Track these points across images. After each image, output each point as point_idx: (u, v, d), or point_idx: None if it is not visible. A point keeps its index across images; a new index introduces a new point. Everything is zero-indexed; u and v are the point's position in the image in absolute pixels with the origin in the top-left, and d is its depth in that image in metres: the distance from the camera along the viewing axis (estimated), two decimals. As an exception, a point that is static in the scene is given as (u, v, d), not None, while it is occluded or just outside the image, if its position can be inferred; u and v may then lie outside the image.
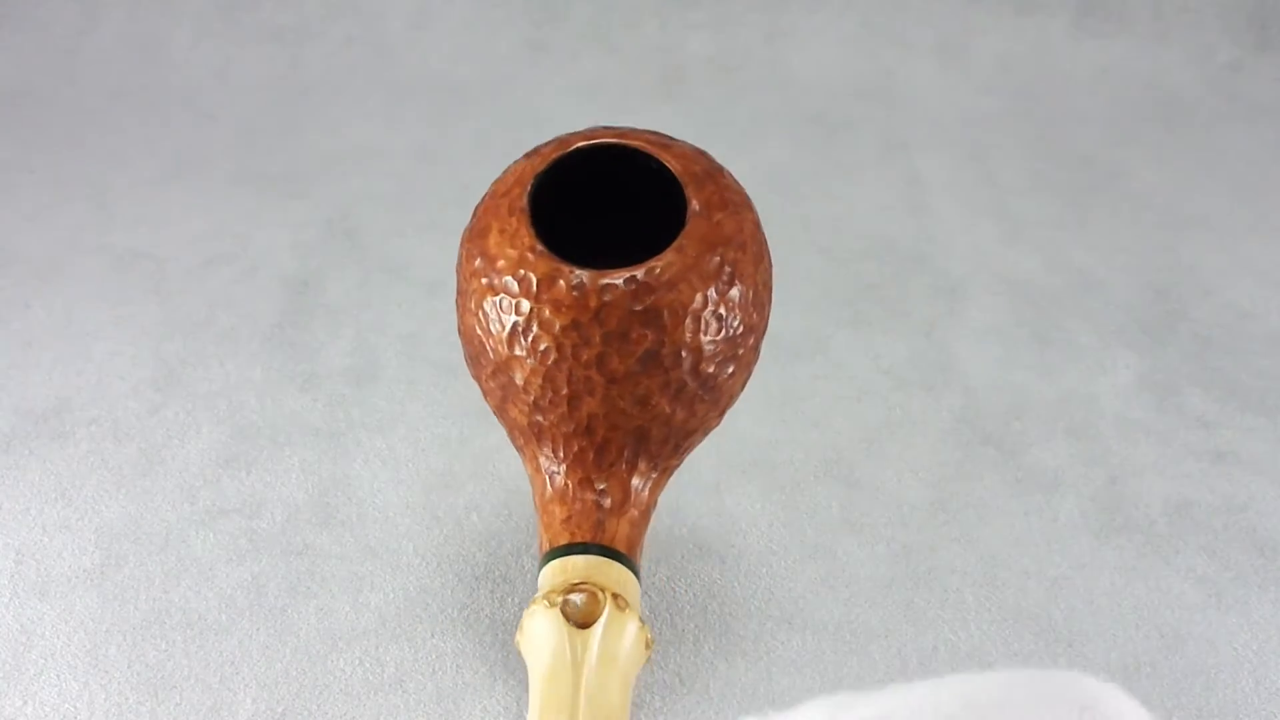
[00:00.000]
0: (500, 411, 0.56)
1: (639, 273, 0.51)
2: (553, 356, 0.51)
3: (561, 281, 0.51)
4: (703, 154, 0.56)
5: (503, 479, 0.68)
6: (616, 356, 0.51)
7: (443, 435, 0.71)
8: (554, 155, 0.54)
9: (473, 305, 0.53)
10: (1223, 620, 0.60)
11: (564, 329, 0.51)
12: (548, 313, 0.51)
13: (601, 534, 0.53)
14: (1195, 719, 0.54)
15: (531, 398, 0.53)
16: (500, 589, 0.60)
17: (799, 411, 0.75)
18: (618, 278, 0.50)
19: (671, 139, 0.56)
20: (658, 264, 0.51)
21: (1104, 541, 0.65)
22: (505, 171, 0.56)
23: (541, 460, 0.54)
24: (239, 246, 0.93)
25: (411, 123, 1.16)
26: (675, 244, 0.51)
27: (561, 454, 0.54)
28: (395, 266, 0.90)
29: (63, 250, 0.92)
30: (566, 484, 0.54)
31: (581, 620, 0.49)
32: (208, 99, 1.20)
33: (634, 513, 0.54)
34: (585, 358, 0.51)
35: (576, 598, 0.50)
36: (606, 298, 0.50)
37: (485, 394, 0.56)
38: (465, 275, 0.54)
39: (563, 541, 0.53)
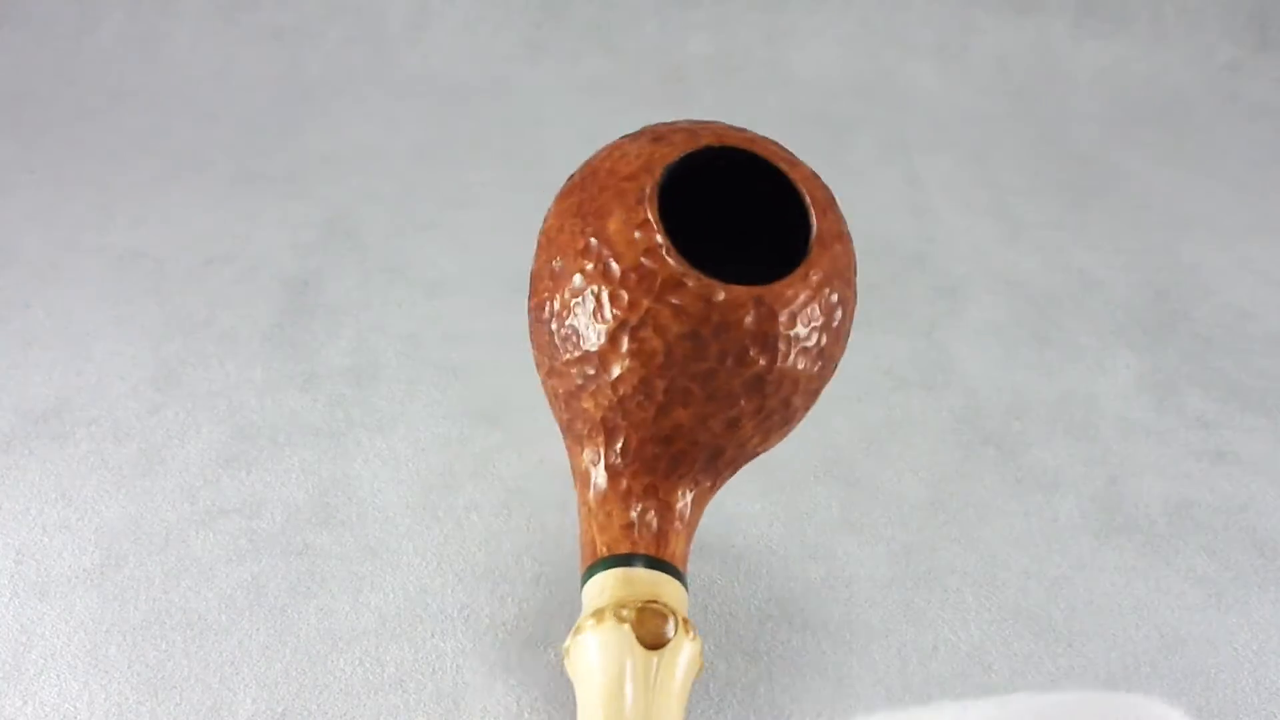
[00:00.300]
0: (568, 397, 0.52)
1: (766, 294, 0.49)
2: (659, 360, 0.49)
3: (689, 286, 0.48)
4: (819, 176, 0.54)
5: (503, 479, 0.68)
6: (725, 374, 0.49)
7: (443, 435, 0.71)
8: (685, 146, 0.51)
9: (577, 287, 0.50)
10: (1223, 620, 0.60)
11: (680, 336, 0.48)
12: (667, 316, 0.48)
13: (665, 548, 0.50)
14: (1195, 719, 0.54)
15: (619, 395, 0.50)
16: (500, 589, 0.60)
17: (799, 411, 0.75)
18: (746, 295, 0.48)
19: (795, 156, 0.54)
20: (786, 289, 0.49)
21: (1104, 541, 0.65)
22: (618, 150, 0.52)
23: (607, 456, 0.51)
24: (239, 246, 0.93)
25: (411, 123, 1.16)
26: (801, 270, 0.49)
27: (632, 456, 0.51)
28: (395, 266, 0.90)
29: (63, 250, 0.92)
30: (630, 487, 0.51)
31: (652, 642, 0.47)
32: (208, 99, 1.20)
33: (688, 529, 0.52)
34: (694, 370, 0.49)
35: (650, 617, 0.47)
36: (730, 315, 0.48)
37: (551, 374, 0.53)
38: (569, 253, 0.50)
39: (624, 549, 0.50)
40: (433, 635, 0.57)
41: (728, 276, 0.51)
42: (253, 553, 0.62)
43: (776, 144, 0.54)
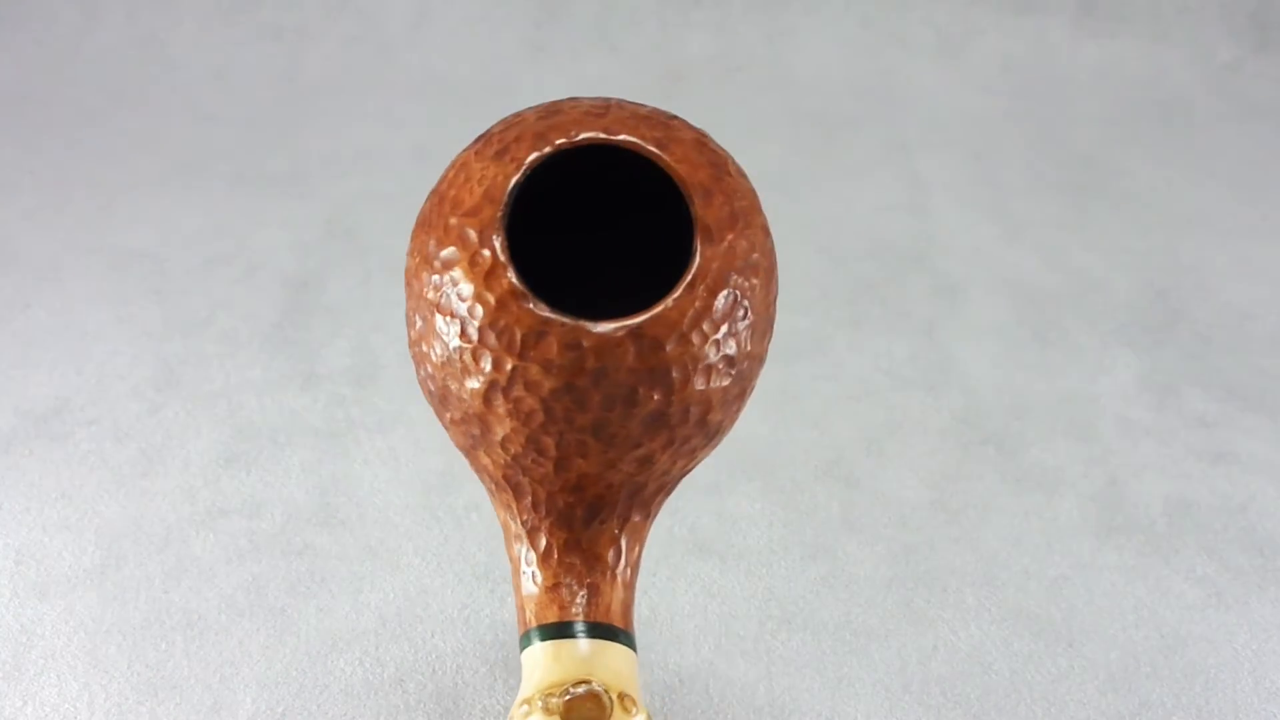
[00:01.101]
0: (468, 452, 0.48)
1: (644, 323, 0.42)
2: (540, 420, 0.44)
3: (552, 338, 0.42)
4: (703, 142, 0.47)
5: (503, 479, 0.68)
6: (617, 421, 0.44)
7: (443, 435, 0.71)
8: (532, 160, 0.44)
9: (437, 347, 0.45)
10: (1223, 620, 0.60)
11: (555, 392, 0.43)
12: (535, 373, 0.43)
13: (596, 607, 0.46)
14: (1195, 719, 0.54)
15: (511, 454, 0.45)
16: (500, 589, 0.60)
17: (799, 411, 0.75)
18: (619, 331, 0.42)
19: (670, 119, 0.47)
20: (669, 312, 0.43)
21: (1104, 541, 0.65)
22: (462, 171, 0.46)
23: (520, 512, 0.47)
24: (239, 246, 0.93)
25: (411, 123, 1.16)
26: (684, 284, 0.43)
27: (544, 510, 0.47)
28: (395, 266, 0.90)
29: (63, 250, 0.92)
30: (549, 543, 0.47)
31: None
32: (208, 99, 1.20)
33: (627, 573, 0.48)
34: (580, 422, 0.44)
35: (580, 703, 0.44)
36: (607, 358, 0.42)
37: (448, 428, 0.48)
38: (425, 307, 0.45)
39: (551, 619, 0.46)
40: (433, 635, 0.57)
41: (608, 295, 0.46)
42: (253, 553, 0.62)
43: (647, 111, 0.47)
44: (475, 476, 0.68)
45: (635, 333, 0.42)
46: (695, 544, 0.63)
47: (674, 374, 0.43)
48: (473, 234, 0.43)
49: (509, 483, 0.47)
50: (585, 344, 0.42)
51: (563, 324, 0.42)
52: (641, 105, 0.47)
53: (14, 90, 1.19)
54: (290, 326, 0.82)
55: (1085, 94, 1.26)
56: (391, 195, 1.02)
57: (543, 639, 0.46)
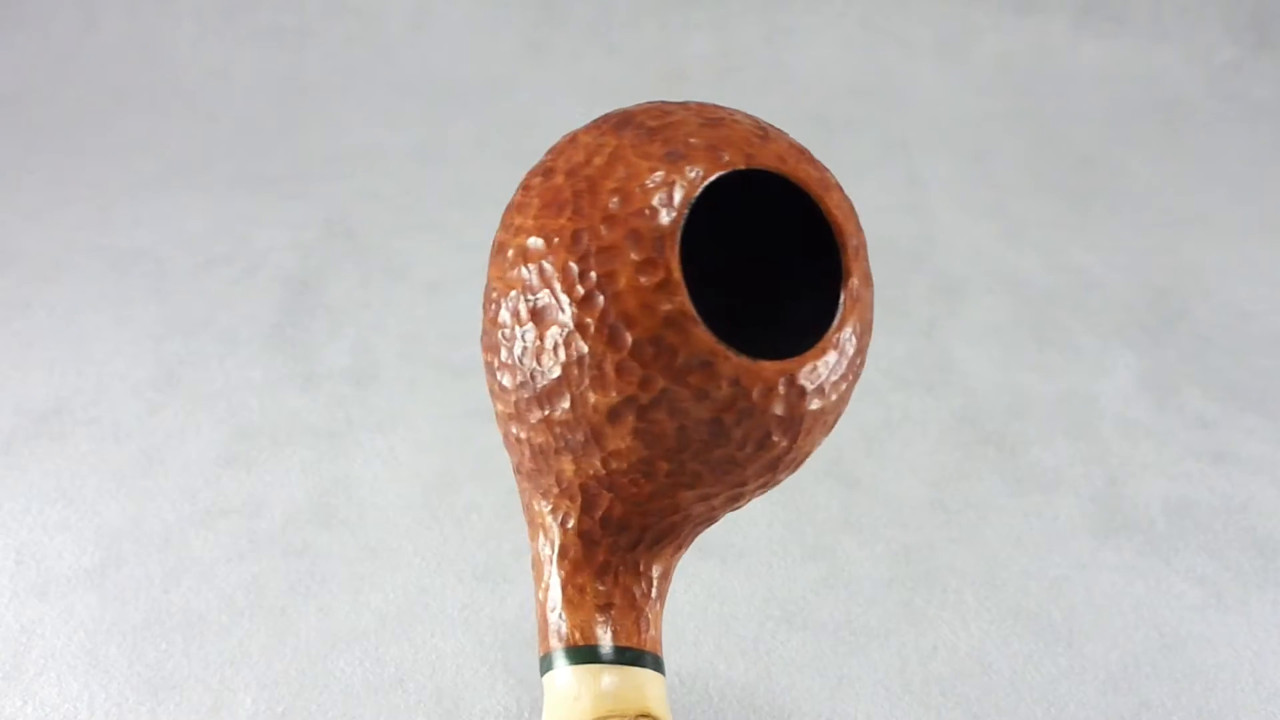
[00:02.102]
0: (539, 451, 0.43)
1: (798, 371, 0.41)
2: (670, 444, 0.41)
3: (717, 370, 0.39)
4: (842, 187, 0.45)
5: (503, 479, 0.68)
6: (744, 460, 0.42)
7: (443, 435, 0.71)
8: (708, 169, 0.41)
9: (561, 344, 0.40)
10: (1223, 620, 0.60)
11: (700, 423, 0.40)
12: (687, 400, 0.40)
13: (645, 634, 0.43)
14: (1195, 719, 0.54)
15: (610, 469, 0.42)
16: (500, 589, 0.60)
17: (799, 411, 0.75)
18: (777, 374, 0.40)
19: (824, 170, 0.44)
20: (818, 364, 0.41)
21: (1104, 541, 0.65)
22: (610, 158, 0.41)
23: (581, 521, 0.43)
24: (239, 246, 0.93)
25: (411, 123, 1.16)
26: (832, 337, 0.42)
27: (615, 527, 0.43)
28: (395, 266, 0.90)
29: (63, 250, 0.92)
30: (607, 561, 0.43)
31: None
32: (208, 99, 1.20)
33: (662, 600, 0.45)
34: (708, 457, 0.41)
35: None
36: (760, 399, 0.40)
37: (515, 421, 0.43)
38: (554, 299, 0.41)
39: (600, 639, 0.42)
40: (433, 635, 0.57)
41: (735, 322, 0.45)
42: (253, 553, 0.62)
43: (810, 159, 0.45)
44: (476, 476, 0.68)
45: (789, 378, 0.41)
46: (695, 544, 0.63)
47: (804, 423, 0.42)
48: (646, 238, 0.40)
49: (585, 492, 0.43)
50: (745, 382, 0.40)
51: (729, 357, 0.40)
52: (787, 133, 0.45)
53: (14, 90, 1.19)
54: (290, 326, 0.82)
55: (1085, 94, 1.26)
56: (391, 195, 1.02)
57: (588, 660, 0.42)
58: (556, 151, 0.44)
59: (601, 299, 0.40)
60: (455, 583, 0.60)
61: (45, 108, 1.17)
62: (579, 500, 0.43)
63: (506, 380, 0.43)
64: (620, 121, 0.43)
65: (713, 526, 0.65)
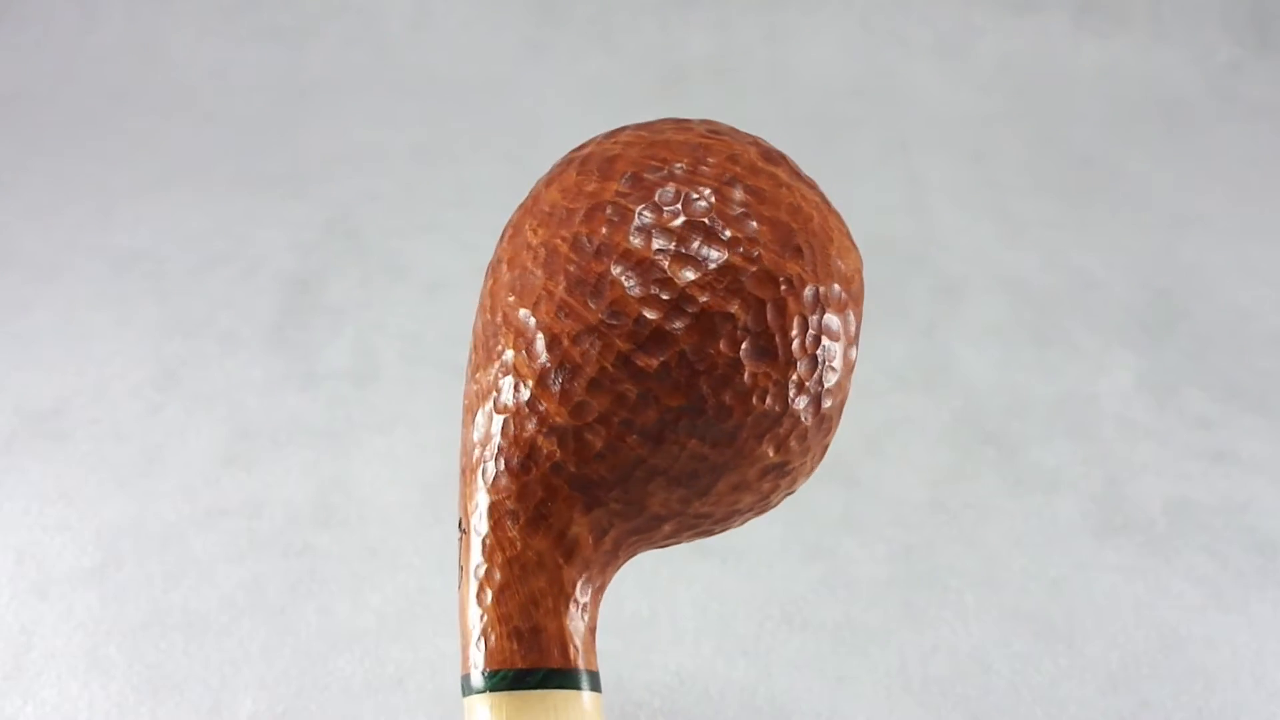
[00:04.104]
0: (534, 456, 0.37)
1: None
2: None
3: None
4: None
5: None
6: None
7: (443, 435, 0.71)
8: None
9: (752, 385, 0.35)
10: (1223, 620, 0.60)
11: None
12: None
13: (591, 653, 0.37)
14: (1195, 719, 0.54)
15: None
16: (500, 589, 0.60)
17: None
18: None
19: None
20: None
21: (1104, 541, 0.65)
22: (816, 208, 0.39)
23: (608, 529, 0.37)
24: (239, 246, 0.93)
25: (411, 123, 1.16)
26: None
27: (611, 535, 0.37)
28: (395, 266, 0.90)
29: (63, 250, 0.92)
30: (604, 583, 0.38)
31: None
32: (208, 99, 1.20)
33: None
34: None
35: None
36: None
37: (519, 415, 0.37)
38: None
39: (594, 665, 0.37)
40: (433, 635, 0.57)
41: None
42: (253, 553, 0.62)
43: None
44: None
45: None
46: (695, 544, 0.63)
47: None
48: (856, 318, 0.39)
49: (577, 488, 0.37)
50: None
51: None
52: None
53: (14, 90, 1.19)
54: (290, 326, 0.82)
55: (1085, 94, 1.26)
56: (391, 195, 1.02)
57: (583, 688, 0.36)
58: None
59: (835, 351, 0.38)
60: (455, 583, 0.60)
61: (45, 108, 1.17)
62: (576, 499, 0.39)
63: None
64: (793, 169, 0.41)
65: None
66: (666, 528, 0.38)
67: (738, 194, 0.37)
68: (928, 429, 0.74)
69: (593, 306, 0.36)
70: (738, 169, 0.38)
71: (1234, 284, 0.92)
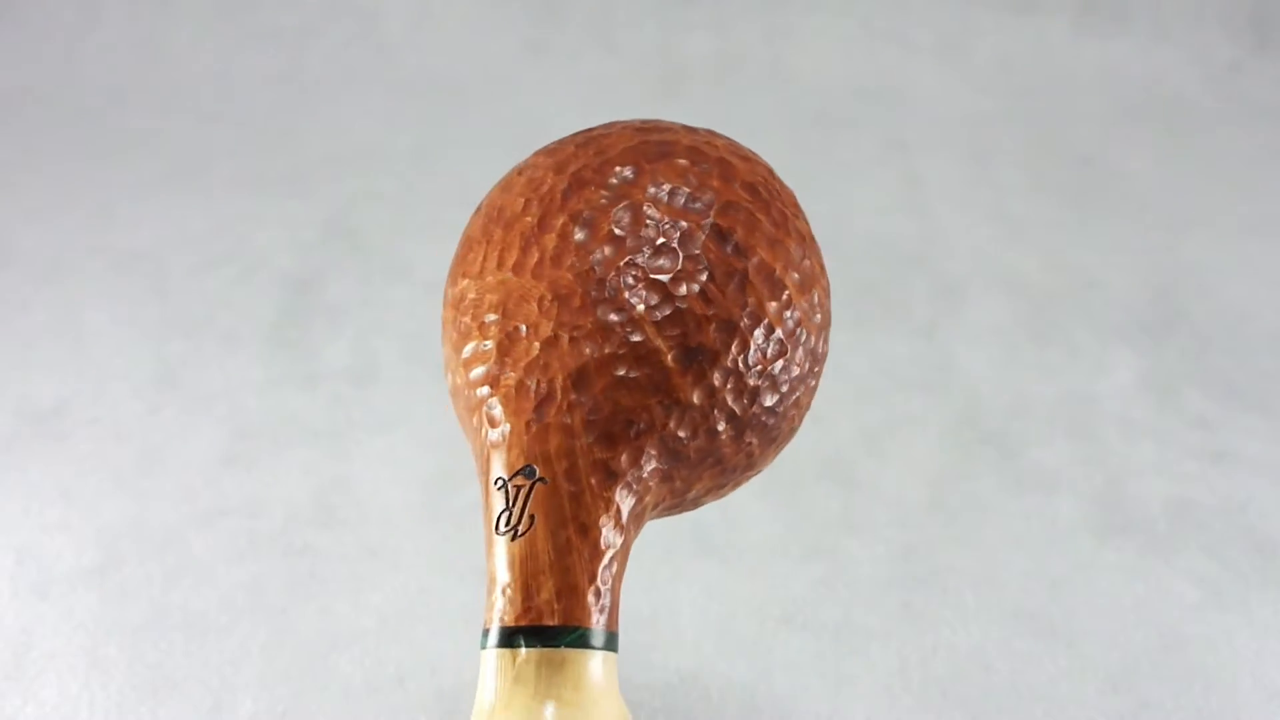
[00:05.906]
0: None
1: None
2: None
3: None
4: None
5: (503, 479, 0.68)
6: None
7: (443, 435, 0.71)
8: None
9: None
10: (1223, 620, 0.60)
11: None
12: None
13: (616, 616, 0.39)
14: (1195, 719, 0.54)
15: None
16: (500, 589, 0.60)
17: (799, 411, 0.75)
18: None
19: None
20: None
21: (1104, 541, 0.65)
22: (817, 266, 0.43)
23: (645, 472, 0.39)
24: (239, 246, 0.93)
25: (411, 123, 1.16)
26: None
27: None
28: (395, 266, 0.90)
29: (63, 250, 0.92)
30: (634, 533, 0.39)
31: None
32: (208, 99, 1.20)
33: None
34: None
35: None
36: None
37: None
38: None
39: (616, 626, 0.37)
40: (433, 635, 0.57)
41: None
42: (253, 553, 0.62)
43: None
44: (475, 476, 0.67)
45: None
46: (695, 544, 0.63)
47: None
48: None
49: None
50: None
51: None
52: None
53: (14, 90, 1.19)
54: (290, 326, 0.82)
55: (1085, 94, 1.26)
56: (391, 195, 1.02)
57: (608, 647, 0.37)
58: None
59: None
60: (455, 583, 0.60)
61: (45, 108, 1.17)
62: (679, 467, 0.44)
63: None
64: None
65: (713, 526, 0.65)
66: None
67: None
68: (928, 429, 0.74)
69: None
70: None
71: (1234, 284, 0.92)
